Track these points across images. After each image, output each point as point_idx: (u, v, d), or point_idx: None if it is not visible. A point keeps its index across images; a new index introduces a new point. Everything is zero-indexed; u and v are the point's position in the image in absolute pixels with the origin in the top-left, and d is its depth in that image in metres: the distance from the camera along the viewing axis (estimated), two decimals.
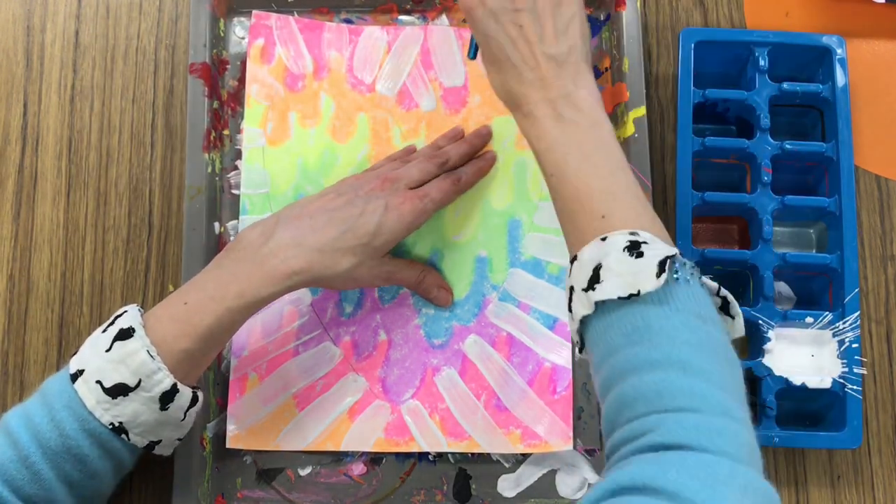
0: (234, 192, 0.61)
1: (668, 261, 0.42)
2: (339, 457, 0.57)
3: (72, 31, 0.64)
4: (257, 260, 0.49)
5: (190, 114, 0.59)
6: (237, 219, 0.60)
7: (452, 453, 0.57)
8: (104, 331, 0.48)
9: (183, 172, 0.61)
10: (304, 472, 0.57)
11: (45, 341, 0.60)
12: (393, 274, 0.55)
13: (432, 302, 0.58)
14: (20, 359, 0.59)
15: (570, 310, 0.45)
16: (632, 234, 0.43)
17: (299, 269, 0.49)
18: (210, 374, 0.57)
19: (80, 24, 0.64)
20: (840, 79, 0.59)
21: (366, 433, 0.57)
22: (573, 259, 0.45)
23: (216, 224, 0.60)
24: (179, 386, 0.47)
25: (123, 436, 0.46)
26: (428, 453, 0.57)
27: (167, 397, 0.47)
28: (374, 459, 0.57)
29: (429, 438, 0.57)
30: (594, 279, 0.43)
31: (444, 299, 0.58)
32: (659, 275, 0.41)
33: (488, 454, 0.57)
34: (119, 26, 0.64)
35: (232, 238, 0.60)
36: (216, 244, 0.59)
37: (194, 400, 0.49)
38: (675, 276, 0.42)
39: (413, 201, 0.53)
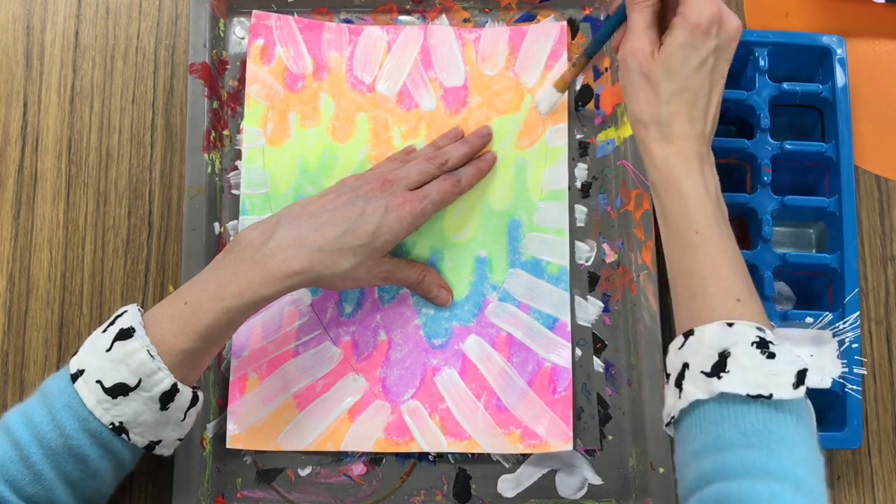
0: (234, 192, 0.61)
1: (806, 374, 0.42)
2: (339, 457, 0.57)
3: (72, 31, 0.64)
4: (257, 259, 0.49)
5: (190, 114, 0.59)
6: (237, 219, 0.60)
7: (452, 453, 0.57)
8: (104, 331, 0.48)
9: (183, 172, 0.61)
10: (304, 472, 0.57)
11: (44, 341, 0.60)
12: (393, 273, 0.55)
13: (432, 301, 0.58)
14: (20, 359, 0.59)
15: (678, 386, 0.45)
16: (759, 328, 0.44)
17: (300, 269, 0.49)
18: (210, 374, 0.57)
19: (80, 24, 0.64)
20: (840, 79, 0.59)
21: (366, 433, 0.57)
22: (689, 332, 0.45)
23: (216, 224, 0.60)
24: (179, 386, 0.47)
25: (123, 436, 0.46)
26: (428, 453, 0.57)
27: (167, 397, 0.47)
28: (374, 459, 0.57)
29: (429, 438, 0.57)
30: (719, 366, 0.43)
31: (444, 299, 0.58)
32: (797, 386, 0.42)
33: (488, 454, 0.57)
34: (119, 26, 0.64)
35: (232, 238, 0.60)
36: (216, 244, 0.59)
37: (194, 400, 0.49)
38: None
39: (412, 202, 0.53)
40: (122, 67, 0.64)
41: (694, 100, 0.48)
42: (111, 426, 0.46)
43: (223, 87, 0.62)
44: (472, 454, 0.57)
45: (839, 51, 0.59)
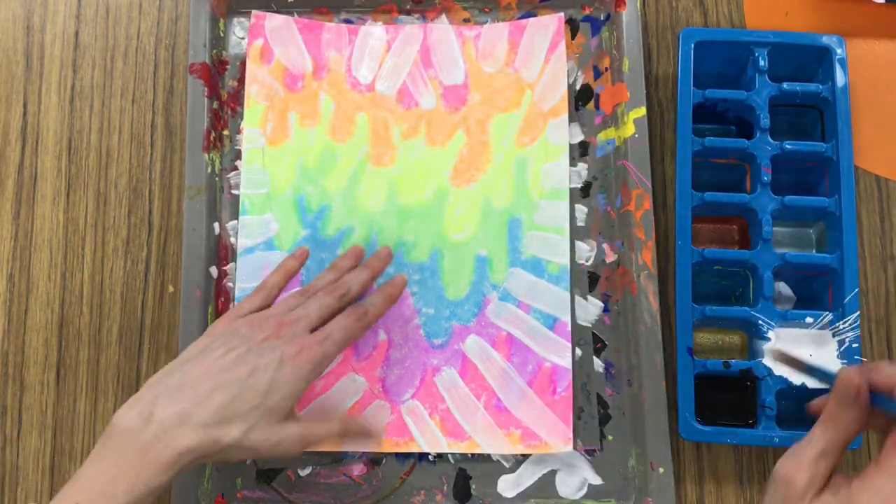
0: (234, 192, 0.61)
1: None
2: (339, 457, 0.57)
3: (72, 31, 0.64)
4: (138, 447, 0.44)
5: (190, 114, 0.59)
6: (237, 219, 0.60)
7: (452, 453, 0.57)
8: None
9: (183, 172, 0.61)
10: (304, 472, 0.57)
11: (44, 341, 0.60)
12: (306, 436, 0.48)
13: (366, 448, 0.56)
14: (20, 359, 0.60)
15: None
16: None
17: (185, 450, 0.45)
18: None
19: (80, 24, 0.64)
20: (840, 79, 0.59)
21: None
22: None
23: (216, 224, 0.60)
24: None
25: None
26: (428, 453, 0.57)
27: None
28: (374, 459, 0.57)
29: (429, 438, 0.57)
30: None
31: (377, 445, 0.56)
32: None
33: (488, 454, 0.57)
34: (119, 26, 0.64)
35: (232, 239, 0.60)
36: (216, 244, 0.59)
37: None
38: None
39: (312, 348, 0.48)
40: (122, 67, 0.64)
41: None
42: None
43: (223, 87, 0.62)
44: (472, 454, 0.57)
45: (839, 51, 0.59)
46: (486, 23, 0.63)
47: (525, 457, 0.57)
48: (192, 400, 0.46)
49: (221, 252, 0.60)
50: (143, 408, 0.45)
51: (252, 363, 0.47)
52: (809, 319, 0.56)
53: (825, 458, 0.41)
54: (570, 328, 0.58)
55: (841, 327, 0.56)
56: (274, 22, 0.63)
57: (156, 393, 0.46)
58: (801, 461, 0.41)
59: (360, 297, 0.54)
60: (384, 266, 0.57)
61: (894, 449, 0.39)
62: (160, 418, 0.45)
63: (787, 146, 0.58)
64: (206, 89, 0.60)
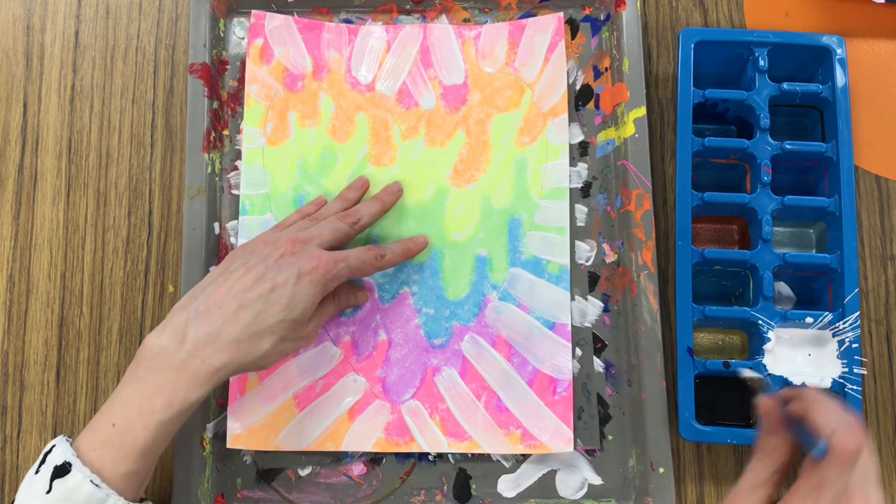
0: (234, 192, 0.61)
1: None
2: (339, 457, 0.57)
3: (72, 31, 0.64)
4: (176, 365, 0.47)
5: (190, 114, 0.59)
6: (237, 219, 0.60)
7: (452, 453, 0.57)
8: (37, 471, 0.45)
9: (183, 172, 0.61)
10: (304, 472, 0.57)
11: (44, 341, 0.60)
12: (318, 326, 0.54)
13: (355, 304, 0.58)
14: (20, 359, 0.60)
15: None
16: None
17: (221, 365, 0.47)
18: None
19: (80, 24, 0.64)
20: (840, 79, 0.59)
21: (366, 433, 0.57)
22: None
23: (216, 224, 0.60)
24: None
25: None
26: (428, 453, 0.57)
27: None
28: (374, 459, 0.57)
29: (429, 438, 0.57)
30: None
31: (363, 297, 0.58)
32: None
33: (488, 454, 0.57)
34: (119, 26, 0.64)
35: (232, 239, 0.60)
36: (216, 244, 0.59)
37: None
38: None
39: (328, 264, 0.51)
40: (122, 67, 0.64)
41: None
42: None
43: (223, 87, 0.62)
44: (472, 454, 0.57)
45: (839, 51, 0.59)
46: (485, 23, 0.63)
47: (525, 457, 0.57)
48: (220, 319, 0.48)
49: (221, 252, 0.60)
50: (176, 329, 0.48)
51: (271, 280, 0.49)
52: (809, 319, 0.56)
53: (761, 488, 0.43)
54: (570, 328, 0.58)
55: (841, 327, 0.56)
56: (274, 22, 0.63)
57: (186, 316, 0.48)
58: (739, 492, 0.43)
59: (369, 227, 0.57)
60: (394, 200, 0.59)
61: (806, 471, 0.41)
62: (193, 337, 0.47)
63: (787, 146, 0.58)
64: (206, 89, 0.60)
